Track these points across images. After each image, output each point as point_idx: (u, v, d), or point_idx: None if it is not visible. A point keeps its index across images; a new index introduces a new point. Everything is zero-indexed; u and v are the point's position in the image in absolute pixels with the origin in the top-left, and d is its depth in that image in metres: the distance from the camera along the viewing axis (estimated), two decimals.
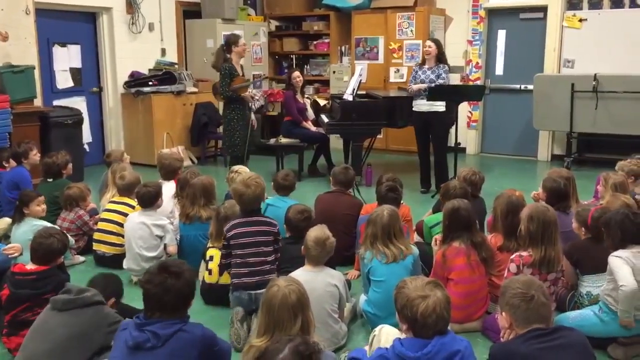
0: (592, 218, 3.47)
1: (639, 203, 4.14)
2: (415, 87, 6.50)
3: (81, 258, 4.68)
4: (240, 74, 6.57)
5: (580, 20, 8.06)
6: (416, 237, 4.45)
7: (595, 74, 7.49)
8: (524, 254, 3.27)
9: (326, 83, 9.75)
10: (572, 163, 7.80)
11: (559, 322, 3.15)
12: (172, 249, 4.31)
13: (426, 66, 6.56)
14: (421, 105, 6.50)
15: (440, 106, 6.42)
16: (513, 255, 3.31)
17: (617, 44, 7.79)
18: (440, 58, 6.55)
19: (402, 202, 4.38)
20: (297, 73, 7.69)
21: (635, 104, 7.30)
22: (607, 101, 7.46)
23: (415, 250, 3.52)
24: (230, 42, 6.55)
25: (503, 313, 2.48)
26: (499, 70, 8.95)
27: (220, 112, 8.66)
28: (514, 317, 2.41)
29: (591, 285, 3.37)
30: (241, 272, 3.53)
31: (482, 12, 8.74)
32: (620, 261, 3.08)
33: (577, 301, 3.46)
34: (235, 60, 6.54)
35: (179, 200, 4.65)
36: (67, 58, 7.97)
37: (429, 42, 6.55)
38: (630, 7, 7.80)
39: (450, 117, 6.54)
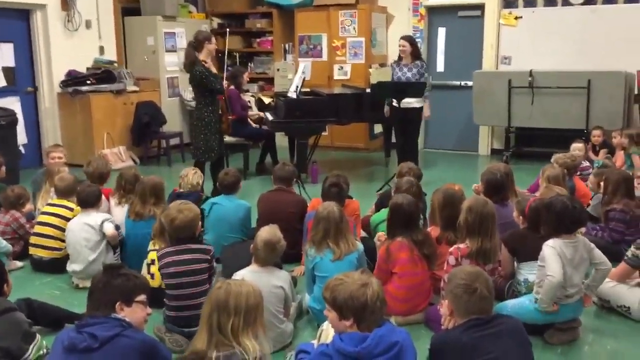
0: (530, 208, 3.59)
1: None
2: None
3: (19, 264, 4.50)
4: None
5: (516, 18, 8.31)
6: (362, 232, 4.49)
7: (530, 70, 7.74)
8: (462, 246, 3.35)
9: (270, 81, 9.70)
10: (511, 157, 8.03)
11: (498, 310, 3.24)
12: (111, 232, 4.10)
13: (403, 62, 6.78)
14: (402, 101, 6.62)
15: (417, 102, 6.67)
16: (451, 248, 3.39)
17: (551, 41, 8.07)
18: (417, 54, 6.79)
19: (351, 197, 4.40)
20: (246, 71, 7.86)
21: (568, 98, 7.58)
22: (542, 96, 7.73)
23: (360, 245, 3.55)
24: (202, 38, 5.90)
25: (446, 300, 2.53)
26: (440, 67, 9.13)
27: (163, 110, 8.60)
28: (455, 306, 2.46)
29: (528, 272, 3.48)
30: (174, 305, 3.29)
31: (422, 10, 8.90)
32: (552, 251, 3.17)
33: (515, 289, 3.57)
34: (207, 59, 5.92)
35: (121, 194, 4.55)
36: None
37: (402, 42, 6.76)
38: (562, 5, 8.09)
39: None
